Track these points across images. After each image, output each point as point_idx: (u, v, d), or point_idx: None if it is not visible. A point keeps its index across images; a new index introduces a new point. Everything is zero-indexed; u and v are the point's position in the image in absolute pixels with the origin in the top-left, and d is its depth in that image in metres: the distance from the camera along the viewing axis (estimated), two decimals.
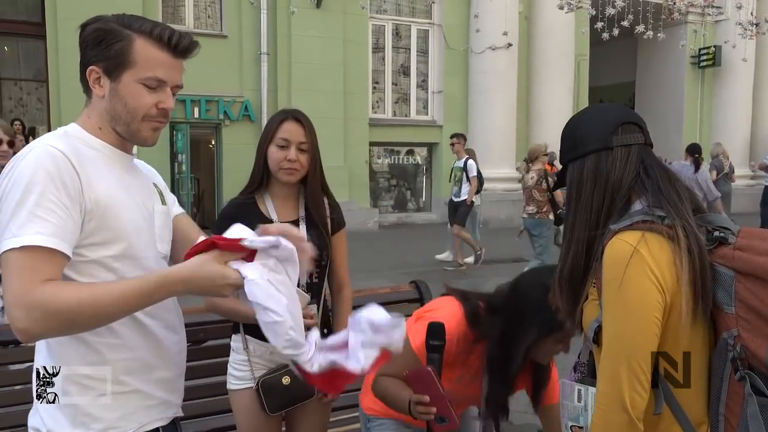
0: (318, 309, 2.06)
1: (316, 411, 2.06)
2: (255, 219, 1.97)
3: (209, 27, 11.25)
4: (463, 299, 1.82)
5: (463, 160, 8.30)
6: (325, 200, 2.09)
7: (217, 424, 2.30)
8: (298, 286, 1.98)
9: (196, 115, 10.80)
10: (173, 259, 1.45)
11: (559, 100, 12.92)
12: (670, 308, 1.18)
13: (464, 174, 8.19)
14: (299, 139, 1.96)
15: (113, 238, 1.23)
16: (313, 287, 2.03)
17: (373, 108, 12.71)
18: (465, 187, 8.17)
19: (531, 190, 7.02)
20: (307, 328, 1.99)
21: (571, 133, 1.37)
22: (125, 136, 1.32)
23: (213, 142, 11.85)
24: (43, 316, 1.10)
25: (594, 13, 8.49)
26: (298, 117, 2.00)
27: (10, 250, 1.11)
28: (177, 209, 1.49)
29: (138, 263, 1.27)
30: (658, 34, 8.34)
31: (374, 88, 12.79)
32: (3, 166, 1.26)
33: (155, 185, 1.44)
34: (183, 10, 11.01)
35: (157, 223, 1.36)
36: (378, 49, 12.77)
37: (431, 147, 13.29)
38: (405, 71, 13.14)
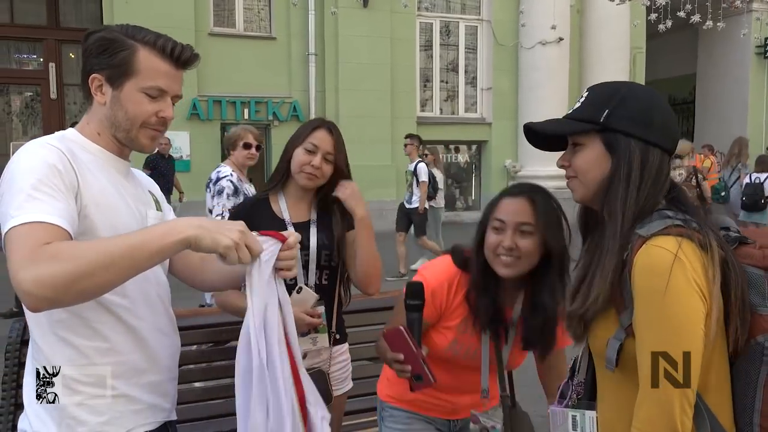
0: (331, 312, 2.06)
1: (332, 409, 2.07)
2: (267, 219, 2.01)
3: (259, 29, 11.45)
4: (453, 250, 1.79)
5: (414, 163, 7.65)
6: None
7: None
8: (307, 285, 2.00)
9: (246, 116, 11.01)
10: (170, 265, 1.47)
11: None
12: (707, 315, 1.09)
13: (414, 178, 7.58)
14: (328, 148, 1.98)
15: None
16: (322, 288, 2.02)
17: (421, 106, 12.65)
18: (417, 193, 7.52)
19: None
20: (315, 329, 2.00)
21: (648, 107, 1.20)
22: (124, 143, 1.34)
23: (263, 143, 12.07)
24: (50, 273, 1.03)
25: (648, 3, 8.18)
26: (332, 128, 2.02)
27: (12, 228, 1.10)
28: (171, 218, 1.50)
29: None
30: (718, 24, 7.92)
31: (423, 86, 12.73)
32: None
33: (151, 193, 1.46)
34: (234, 13, 11.25)
35: None
36: (426, 46, 12.70)
37: (480, 145, 13.13)
38: (453, 68, 13.01)
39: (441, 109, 12.98)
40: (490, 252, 1.64)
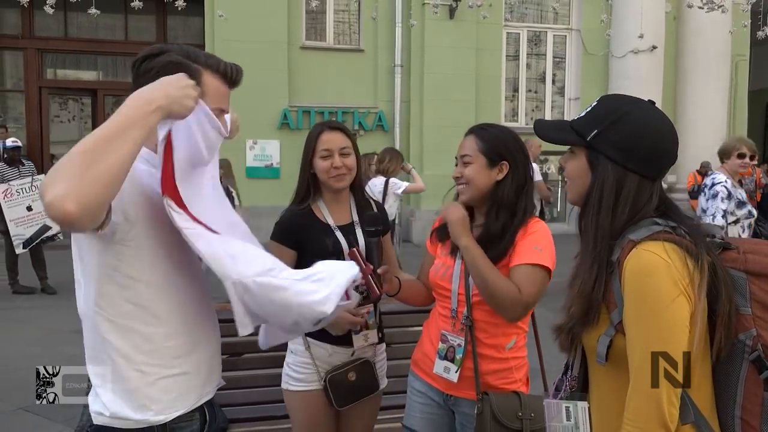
0: (375, 313, 2.13)
1: (369, 401, 2.17)
2: (316, 224, 2.12)
3: (349, 42, 11.85)
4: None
5: None
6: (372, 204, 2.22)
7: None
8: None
9: None
10: None
11: (712, 106, 11.90)
12: (692, 315, 1.17)
13: None
14: (339, 144, 2.08)
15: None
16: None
17: (507, 116, 12.58)
18: None
19: None
20: (366, 326, 2.08)
21: (637, 134, 1.25)
22: None
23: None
24: (63, 170, 1.04)
25: (747, 10, 7.75)
26: (332, 126, 2.13)
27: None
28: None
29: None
30: None
31: (512, 96, 12.66)
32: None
33: None
34: (325, 27, 11.71)
35: None
36: (512, 56, 12.63)
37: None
38: (540, 78, 12.86)
39: (527, 119, 12.83)
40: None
